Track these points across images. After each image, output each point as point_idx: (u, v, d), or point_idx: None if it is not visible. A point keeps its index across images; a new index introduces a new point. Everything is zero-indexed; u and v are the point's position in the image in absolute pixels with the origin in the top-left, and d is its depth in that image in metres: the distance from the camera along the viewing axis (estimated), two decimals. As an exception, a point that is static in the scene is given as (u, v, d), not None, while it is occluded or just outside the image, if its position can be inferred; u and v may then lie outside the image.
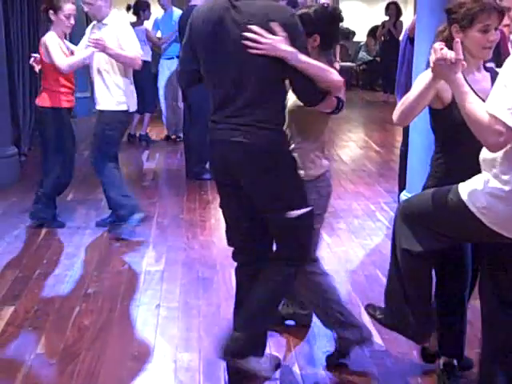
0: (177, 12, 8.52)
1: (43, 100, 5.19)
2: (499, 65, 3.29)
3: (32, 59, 5.23)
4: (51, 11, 5.00)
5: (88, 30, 5.23)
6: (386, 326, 3.04)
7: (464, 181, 2.61)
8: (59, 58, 5.01)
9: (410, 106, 2.65)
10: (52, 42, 5.03)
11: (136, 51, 4.97)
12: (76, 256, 4.78)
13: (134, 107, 5.20)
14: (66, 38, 5.42)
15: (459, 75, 2.47)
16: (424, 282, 2.82)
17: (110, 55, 4.88)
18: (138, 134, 8.84)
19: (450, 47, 2.55)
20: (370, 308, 3.09)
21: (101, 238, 5.13)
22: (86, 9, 5.05)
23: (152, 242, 5.08)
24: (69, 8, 5.04)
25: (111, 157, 5.13)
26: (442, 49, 2.47)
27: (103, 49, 4.81)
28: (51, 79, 5.14)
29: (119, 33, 4.96)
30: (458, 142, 2.74)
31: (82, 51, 5.08)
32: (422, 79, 2.65)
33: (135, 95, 5.21)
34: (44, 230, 5.29)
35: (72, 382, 3.17)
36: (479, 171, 2.58)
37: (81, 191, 6.40)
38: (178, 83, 3.15)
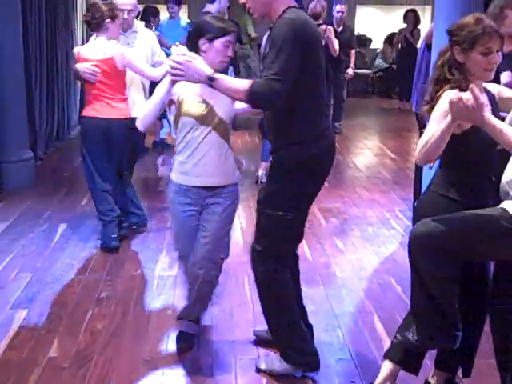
0: (184, 19, 8.57)
1: (127, 112, 4.91)
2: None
3: (91, 69, 4.76)
4: (108, 20, 4.79)
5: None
6: (425, 346, 2.90)
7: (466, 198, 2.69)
8: (150, 69, 4.95)
9: (434, 147, 2.56)
10: (131, 52, 4.90)
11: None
12: (89, 260, 4.79)
13: None
14: None
15: (487, 114, 2.44)
16: (452, 289, 2.77)
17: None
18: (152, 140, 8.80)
19: (453, 66, 2.70)
20: (401, 335, 2.91)
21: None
22: (126, 15, 5.04)
23: (165, 247, 5.08)
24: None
25: None
26: (459, 99, 2.40)
27: None
28: (124, 89, 4.99)
29: (153, 41, 5.20)
30: (468, 164, 2.73)
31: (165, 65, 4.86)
32: (439, 118, 2.59)
33: None
34: (58, 234, 5.31)
35: (84, 386, 3.19)
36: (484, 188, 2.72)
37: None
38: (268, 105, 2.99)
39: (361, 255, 4.96)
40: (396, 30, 13.00)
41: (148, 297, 4.20)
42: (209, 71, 2.96)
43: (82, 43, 10.65)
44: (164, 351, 3.52)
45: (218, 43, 3.23)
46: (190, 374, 3.31)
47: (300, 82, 2.94)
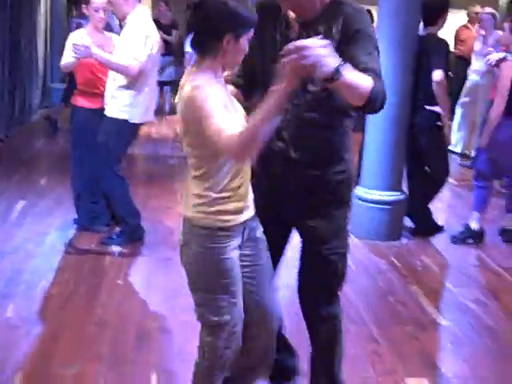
0: None
1: None
2: None
3: None
4: (84, 5, 4.75)
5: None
6: None
7: None
8: None
9: None
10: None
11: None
12: (46, 234, 5.01)
13: None
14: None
15: None
16: None
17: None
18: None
19: None
20: None
21: (71, 216, 5.24)
22: (110, 8, 4.72)
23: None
24: (96, 1, 4.70)
25: None
26: None
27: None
28: None
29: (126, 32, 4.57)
30: None
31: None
32: None
33: None
34: (19, 209, 5.53)
35: (35, 343, 3.45)
36: None
37: (54, 176, 6.65)
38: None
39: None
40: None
41: (101, 267, 4.47)
42: (338, 60, 2.10)
43: (46, 29, 10.82)
44: (113, 315, 3.77)
45: (245, 39, 2.27)
46: (139, 338, 3.60)
47: None
